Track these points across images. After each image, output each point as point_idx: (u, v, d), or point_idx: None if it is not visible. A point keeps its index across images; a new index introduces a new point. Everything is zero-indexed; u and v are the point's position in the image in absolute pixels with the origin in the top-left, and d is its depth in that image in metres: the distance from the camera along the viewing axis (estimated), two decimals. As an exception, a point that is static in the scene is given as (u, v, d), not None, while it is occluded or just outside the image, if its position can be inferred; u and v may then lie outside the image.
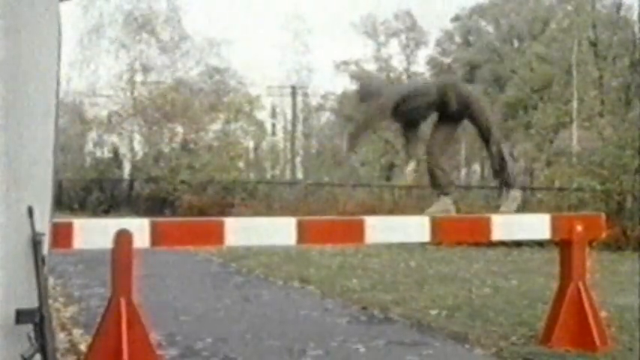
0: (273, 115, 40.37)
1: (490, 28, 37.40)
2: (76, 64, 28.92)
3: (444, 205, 5.41)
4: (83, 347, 5.09)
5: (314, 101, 38.70)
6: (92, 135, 32.13)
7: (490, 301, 7.28)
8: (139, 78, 30.21)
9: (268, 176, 33.79)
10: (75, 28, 27.85)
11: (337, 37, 49.92)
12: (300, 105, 36.30)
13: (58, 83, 3.65)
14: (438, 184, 5.56)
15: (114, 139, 30.93)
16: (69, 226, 4.33)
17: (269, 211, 18.05)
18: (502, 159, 5.43)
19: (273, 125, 41.22)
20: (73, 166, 31.09)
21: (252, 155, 34.78)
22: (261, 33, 53.45)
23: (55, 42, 3.57)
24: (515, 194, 5.55)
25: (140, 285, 4.49)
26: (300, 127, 36.62)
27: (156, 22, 29.74)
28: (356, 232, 5.02)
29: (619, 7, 25.97)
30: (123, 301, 4.27)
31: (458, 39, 37.96)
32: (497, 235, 5.30)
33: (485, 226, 5.25)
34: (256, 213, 16.91)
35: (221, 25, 45.79)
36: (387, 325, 6.34)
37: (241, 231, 4.78)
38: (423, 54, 36.89)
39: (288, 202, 20.14)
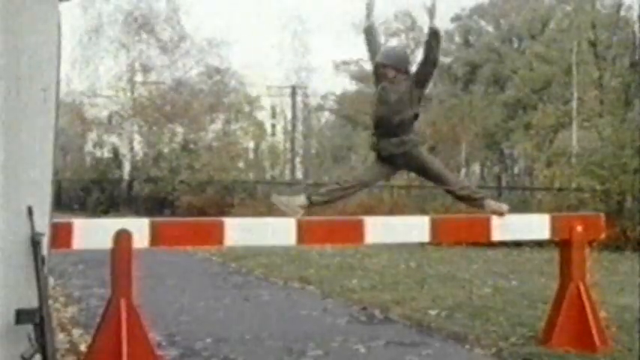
0: (273, 115, 40.40)
1: (490, 28, 37.42)
2: (76, 64, 28.96)
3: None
4: (83, 347, 5.09)
5: (314, 101, 38.72)
6: (92, 135, 32.17)
7: (490, 301, 7.28)
8: (138, 78, 30.23)
9: (268, 176, 33.83)
10: (75, 28, 27.92)
11: (337, 37, 49.98)
12: (299, 105, 36.29)
13: (58, 83, 3.65)
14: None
15: (114, 139, 30.96)
16: (69, 227, 4.33)
17: (269, 211, 18.02)
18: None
19: (273, 125, 41.24)
20: (73, 166, 31.15)
21: (251, 155, 34.81)
22: (261, 33, 53.49)
23: (55, 42, 3.57)
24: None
25: (140, 285, 4.49)
26: (299, 128, 36.62)
27: (156, 22, 29.75)
28: (356, 232, 5.02)
29: (619, 7, 25.94)
30: (123, 302, 4.27)
31: (458, 39, 37.96)
32: (497, 235, 5.30)
33: (485, 226, 5.25)
34: (256, 213, 16.90)
35: (221, 25, 45.87)
36: (387, 326, 6.34)
37: (241, 231, 4.78)
38: (423, 54, 36.86)
39: (288, 202, 20.09)
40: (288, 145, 36.29)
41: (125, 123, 29.82)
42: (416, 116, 5.19)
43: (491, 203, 5.31)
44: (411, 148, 5.14)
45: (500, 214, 5.25)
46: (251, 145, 35.51)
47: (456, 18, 37.59)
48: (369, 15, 5.46)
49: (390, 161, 5.22)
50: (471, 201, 5.30)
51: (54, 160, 3.61)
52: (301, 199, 5.06)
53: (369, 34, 5.53)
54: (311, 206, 5.06)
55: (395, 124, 5.09)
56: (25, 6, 3.43)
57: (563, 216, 6.24)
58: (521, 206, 15.51)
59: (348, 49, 56.22)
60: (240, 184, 24.76)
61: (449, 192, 5.35)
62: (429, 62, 5.15)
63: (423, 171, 5.27)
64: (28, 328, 3.34)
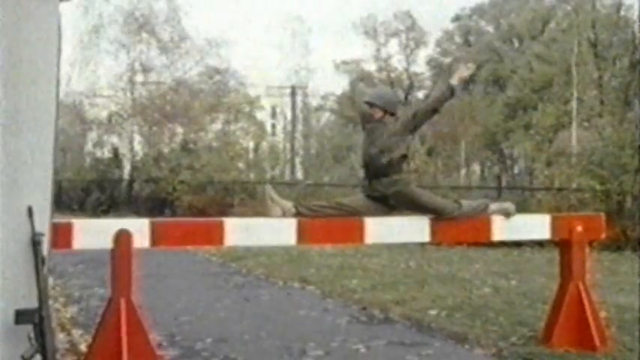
0: (273, 115, 40.39)
1: (490, 28, 37.43)
2: (76, 64, 28.93)
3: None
4: (83, 347, 5.09)
5: (314, 101, 38.71)
6: (92, 135, 32.16)
7: (490, 301, 7.28)
8: (138, 78, 30.22)
9: (268, 176, 33.77)
10: (75, 28, 27.89)
11: (337, 37, 49.99)
12: (299, 105, 36.29)
13: (58, 83, 3.65)
14: None
15: (114, 139, 30.95)
16: (69, 227, 4.33)
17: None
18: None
19: (273, 125, 41.23)
20: (73, 166, 31.11)
21: (252, 155, 34.76)
22: (261, 33, 53.51)
23: (55, 42, 3.57)
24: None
25: (140, 285, 4.49)
26: (300, 128, 36.60)
27: (156, 22, 29.74)
28: (356, 232, 5.03)
29: (619, 7, 25.92)
30: (123, 302, 4.27)
31: (458, 39, 37.97)
32: (497, 235, 5.30)
33: (486, 226, 5.25)
34: (256, 213, 16.89)
35: (221, 25, 45.92)
36: (387, 326, 6.34)
37: (241, 231, 4.78)
38: (423, 54, 36.95)
39: (288, 202, 20.10)
40: (288, 145, 36.29)
41: (125, 123, 29.81)
42: (404, 157, 5.20)
43: (493, 207, 5.30)
44: (403, 188, 5.14)
45: (507, 214, 5.25)
46: (251, 145, 35.48)
47: (456, 18, 37.62)
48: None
49: (382, 201, 5.17)
50: (477, 214, 5.29)
51: (54, 160, 3.61)
52: (288, 205, 5.03)
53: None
54: (296, 215, 5.01)
55: (384, 164, 5.11)
56: (25, 6, 3.43)
57: (564, 216, 6.25)
58: (522, 206, 15.48)
59: (348, 49, 56.32)
60: (240, 184, 24.76)
61: (451, 219, 5.22)
62: (433, 111, 5.26)
63: (417, 208, 5.22)
64: (28, 328, 3.34)
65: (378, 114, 5.24)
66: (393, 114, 5.26)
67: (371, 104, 5.28)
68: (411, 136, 5.29)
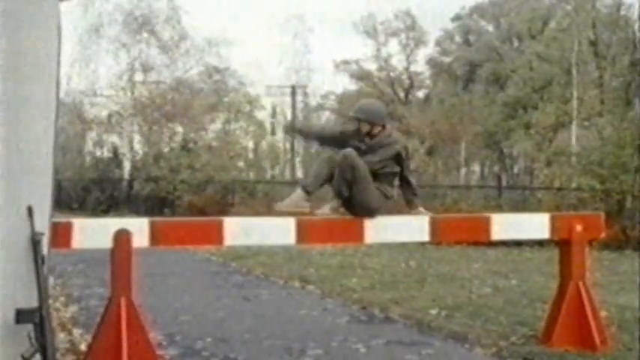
0: (273, 114, 40.37)
1: (490, 28, 37.38)
2: (76, 63, 28.97)
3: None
4: (83, 347, 5.09)
5: (314, 101, 38.74)
6: (92, 135, 32.17)
7: (490, 301, 7.28)
8: (138, 78, 30.24)
9: (268, 176, 33.81)
10: (75, 28, 27.92)
11: (337, 37, 49.89)
12: (300, 105, 36.31)
13: (58, 83, 3.64)
14: None
15: (114, 138, 30.97)
16: (68, 226, 4.33)
17: (269, 210, 18.04)
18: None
19: (273, 125, 41.22)
20: (73, 166, 31.11)
21: (251, 155, 34.80)
22: (261, 33, 53.43)
23: (55, 42, 3.57)
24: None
25: (140, 285, 4.49)
26: (299, 127, 36.56)
27: (156, 21, 29.77)
28: (356, 231, 5.02)
29: (619, 6, 25.91)
30: (122, 301, 4.27)
31: (458, 39, 37.93)
32: (497, 234, 5.30)
33: (485, 226, 5.25)
34: (256, 213, 16.90)
35: (221, 25, 45.89)
36: (387, 325, 6.34)
37: (241, 231, 4.79)
38: (423, 53, 36.90)
39: (288, 201, 20.09)
40: (288, 144, 36.29)
41: (125, 122, 29.81)
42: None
43: None
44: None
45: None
46: (251, 144, 35.52)
47: (456, 18, 37.56)
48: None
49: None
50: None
51: (54, 159, 3.61)
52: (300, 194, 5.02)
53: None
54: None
55: None
56: (25, 6, 3.42)
57: (563, 215, 6.24)
58: (521, 206, 15.53)
59: (348, 49, 56.30)
60: (240, 183, 24.79)
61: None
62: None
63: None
64: (28, 328, 3.34)
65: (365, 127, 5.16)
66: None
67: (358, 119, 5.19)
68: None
